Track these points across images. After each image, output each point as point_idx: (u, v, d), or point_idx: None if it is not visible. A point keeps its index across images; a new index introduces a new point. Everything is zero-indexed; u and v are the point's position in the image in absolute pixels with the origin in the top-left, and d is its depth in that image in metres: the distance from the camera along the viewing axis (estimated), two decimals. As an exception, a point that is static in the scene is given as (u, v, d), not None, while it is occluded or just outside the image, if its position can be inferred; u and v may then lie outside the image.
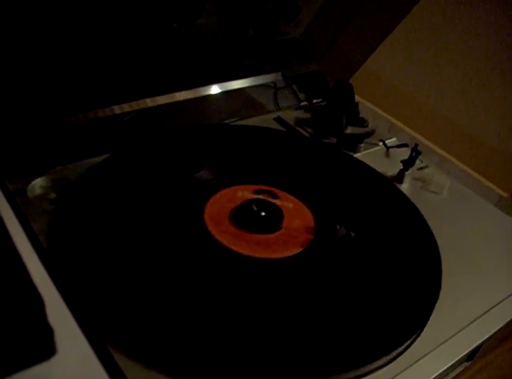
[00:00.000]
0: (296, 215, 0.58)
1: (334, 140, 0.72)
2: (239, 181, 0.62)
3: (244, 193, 0.60)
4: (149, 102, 0.72)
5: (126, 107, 0.70)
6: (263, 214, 0.56)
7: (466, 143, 0.93)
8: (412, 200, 0.63)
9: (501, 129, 0.88)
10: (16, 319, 0.29)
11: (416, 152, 0.69)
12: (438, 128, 0.97)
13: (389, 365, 0.45)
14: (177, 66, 0.78)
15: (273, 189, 0.61)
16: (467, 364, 0.53)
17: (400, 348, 0.46)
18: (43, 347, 0.29)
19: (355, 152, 0.73)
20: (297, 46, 0.90)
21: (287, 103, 0.85)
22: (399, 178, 0.69)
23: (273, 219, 0.56)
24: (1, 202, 0.38)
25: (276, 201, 0.59)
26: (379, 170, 0.69)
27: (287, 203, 0.59)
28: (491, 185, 0.88)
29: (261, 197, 0.59)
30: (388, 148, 0.75)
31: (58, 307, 0.32)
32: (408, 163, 0.69)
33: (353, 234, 0.55)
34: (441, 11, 0.91)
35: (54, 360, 0.29)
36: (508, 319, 0.52)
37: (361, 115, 0.78)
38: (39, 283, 0.32)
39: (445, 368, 0.46)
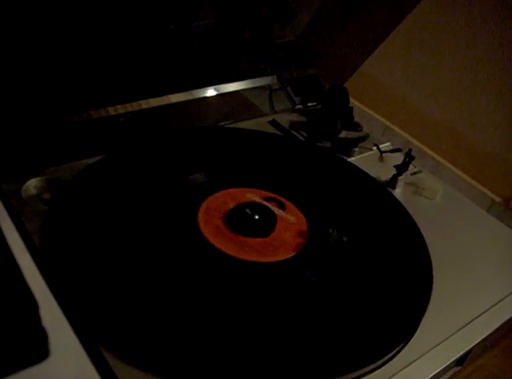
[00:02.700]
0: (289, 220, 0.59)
1: (328, 144, 0.72)
2: (232, 184, 0.62)
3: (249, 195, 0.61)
4: (144, 104, 0.72)
5: (121, 109, 0.70)
6: (256, 217, 0.56)
7: (460, 148, 0.93)
8: (405, 206, 0.64)
9: (495, 135, 0.88)
10: (10, 321, 0.29)
11: (409, 157, 0.69)
12: (432, 132, 0.97)
13: (379, 370, 0.45)
14: (173, 68, 0.78)
15: (281, 199, 0.61)
16: (457, 369, 0.53)
17: (391, 353, 0.46)
18: (37, 349, 0.29)
19: (349, 156, 0.74)
20: (293, 49, 0.90)
21: (282, 106, 0.85)
22: (392, 182, 0.69)
23: (267, 223, 0.56)
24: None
25: (276, 208, 0.59)
26: (373, 174, 0.69)
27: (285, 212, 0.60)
28: (484, 189, 0.89)
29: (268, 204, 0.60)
30: (382, 152, 0.75)
31: (52, 309, 0.32)
32: (401, 168, 0.69)
33: (345, 239, 0.56)
34: (437, 16, 0.92)
35: (47, 363, 0.30)
36: (498, 324, 0.53)
37: (356, 119, 0.78)
38: (33, 285, 0.32)
39: (435, 373, 0.46)
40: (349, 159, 0.73)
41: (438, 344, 0.49)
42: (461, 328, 0.51)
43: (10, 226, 0.37)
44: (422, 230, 0.60)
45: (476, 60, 0.88)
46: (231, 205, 0.58)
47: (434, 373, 0.46)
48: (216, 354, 0.42)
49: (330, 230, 0.55)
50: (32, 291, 0.31)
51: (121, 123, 0.70)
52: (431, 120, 0.97)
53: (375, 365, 0.45)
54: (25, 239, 0.37)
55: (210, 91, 0.79)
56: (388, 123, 1.03)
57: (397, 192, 0.68)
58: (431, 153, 0.97)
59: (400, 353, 0.47)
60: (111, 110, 0.69)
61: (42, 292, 0.33)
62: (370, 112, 1.05)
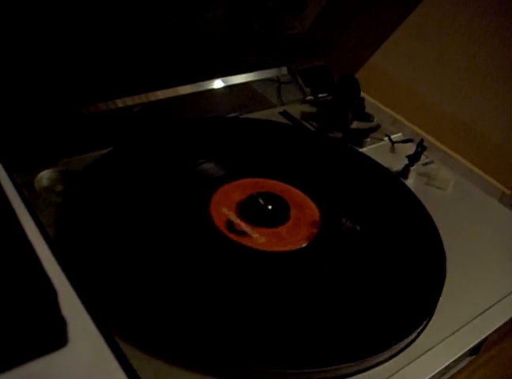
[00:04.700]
0: (302, 208, 0.59)
1: (340, 135, 0.72)
2: (244, 175, 0.62)
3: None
4: (153, 96, 0.72)
5: (129, 101, 0.70)
6: (269, 207, 0.56)
7: (469, 139, 0.93)
8: (417, 195, 0.64)
9: (504, 126, 0.88)
10: (30, 309, 0.29)
11: (421, 147, 0.69)
12: (441, 124, 0.97)
13: (394, 359, 0.45)
14: (182, 60, 0.78)
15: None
16: (471, 358, 0.53)
17: (405, 342, 0.46)
18: (56, 336, 0.29)
19: (361, 147, 0.74)
20: (303, 40, 0.90)
21: (292, 97, 0.85)
22: (404, 173, 0.69)
23: (279, 213, 0.56)
24: (12, 194, 0.38)
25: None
26: (385, 165, 0.69)
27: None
28: (493, 181, 0.89)
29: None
30: (393, 143, 0.75)
31: (70, 297, 0.32)
32: (413, 158, 0.69)
33: (358, 228, 0.55)
34: (445, 8, 0.91)
35: (65, 350, 0.30)
36: (512, 314, 0.53)
37: (366, 110, 0.78)
38: (51, 274, 0.32)
39: (449, 362, 0.47)
40: (361, 150, 0.73)
41: (452, 333, 0.49)
42: (475, 317, 0.51)
43: (27, 216, 0.37)
44: (435, 219, 0.60)
45: (484, 51, 0.88)
46: (244, 195, 0.58)
47: (448, 362, 0.47)
48: (230, 341, 0.43)
49: (343, 220, 0.55)
50: (50, 279, 0.31)
51: (131, 115, 0.70)
52: (440, 112, 0.96)
53: (390, 353, 0.45)
54: (40, 230, 0.37)
55: (219, 83, 0.79)
56: (396, 115, 1.03)
57: (409, 182, 0.68)
58: (440, 145, 0.96)
59: (415, 342, 0.47)
60: (120, 103, 0.69)
61: (59, 281, 0.33)
62: (379, 104, 1.05)
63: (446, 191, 0.68)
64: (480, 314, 0.51)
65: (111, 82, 0.70)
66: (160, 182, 0.59)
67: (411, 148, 0.71)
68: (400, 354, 0.46)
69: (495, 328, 0.51)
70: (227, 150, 0.66)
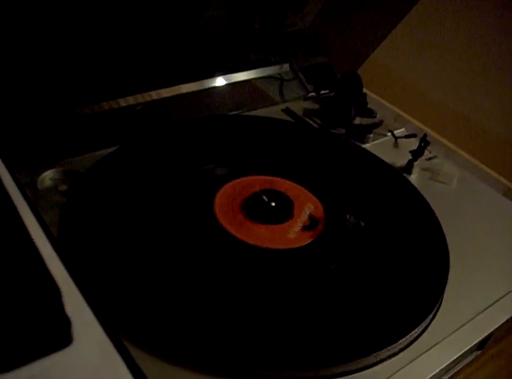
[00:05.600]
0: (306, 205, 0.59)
1: (343, 131, 0.72)
2: (248, 173, 0.62)
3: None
4: (155, 94, 0.72)
5: (132, 100, 0.70)
6: (273, 204, 0.56)
7: (473, 134, 0.93)
8: (421, 191, 0.63)
9: (508, 120, 0.88)
10: (34, 308, 0.29)
11: (424, 142, 0.69)
12: (444, 119, 0.96)
13: (401, 354, 0.45)
14: (184, 58, 0.78)
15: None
16: (478, 353, 0.53)
17: (412, 337, 0.46)
18: (60, 336, 0.29)
19: (364, 143, 0.73)
20: (304, 37, 0.90)
21: (295, 94, 0.85)
22: (408, 168, 0.69)
23: (284, 210, 0.56)
24: (15, 194, 0.38)
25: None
26: (388, 160, 0.69)
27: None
28: (497, 176, 0.88)
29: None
30: (396, 138, 0.75)
31: (74, 297, 0.32)
32: (416, 154, 0.69)
33: (362, 224, 0.55)
34: (446, 3, 0.91)
35: (69, 349, 0.30)
36: (518, 308, 0.52)
37: (369, 106, 0.78)
38: (55, 273, 0.32)
39: (455, 357, 0.46)
40: (364, 146, 0.73)
41: (458, 328, 0.49)
42: (480, 312, 0.51)
43: (30, 216, 0.37)
44: (439, 215, 0.60)
45: (486, 46, 0.88)
46: (248, 193, 0.58)
47: (454, 358, 0.46)
48: (238, 339, 0.42)
49: (347, 216, 0.55)
50: (54, 278, 0.31)
51: (134, 114, 0.70)
52: (443, 106, 0.96)
53: (396, 349, 0.45)
54: (44, 230, 0.37)
55: (221, 81, 0.79)
56: (399, 110, 1.03)
57: (413, 177, 0.68)
58: (443, 140, 0.96)
59: (421, 337, 0.47)
60: (122, 102, 0.69)
61: (63, 280, 0.33)
62: (381, 100, 1.05)
63: (450, 186, 0.68)
64: (486, 309, 0.51)
65: (113, 81, 0.70)
66: (164, 181, 0.59)
67: (414, 143, 0.71)
68: (406, 350, 0.46)
69: (501, 323, 0.50)
70: (230, 148, 0.66)
